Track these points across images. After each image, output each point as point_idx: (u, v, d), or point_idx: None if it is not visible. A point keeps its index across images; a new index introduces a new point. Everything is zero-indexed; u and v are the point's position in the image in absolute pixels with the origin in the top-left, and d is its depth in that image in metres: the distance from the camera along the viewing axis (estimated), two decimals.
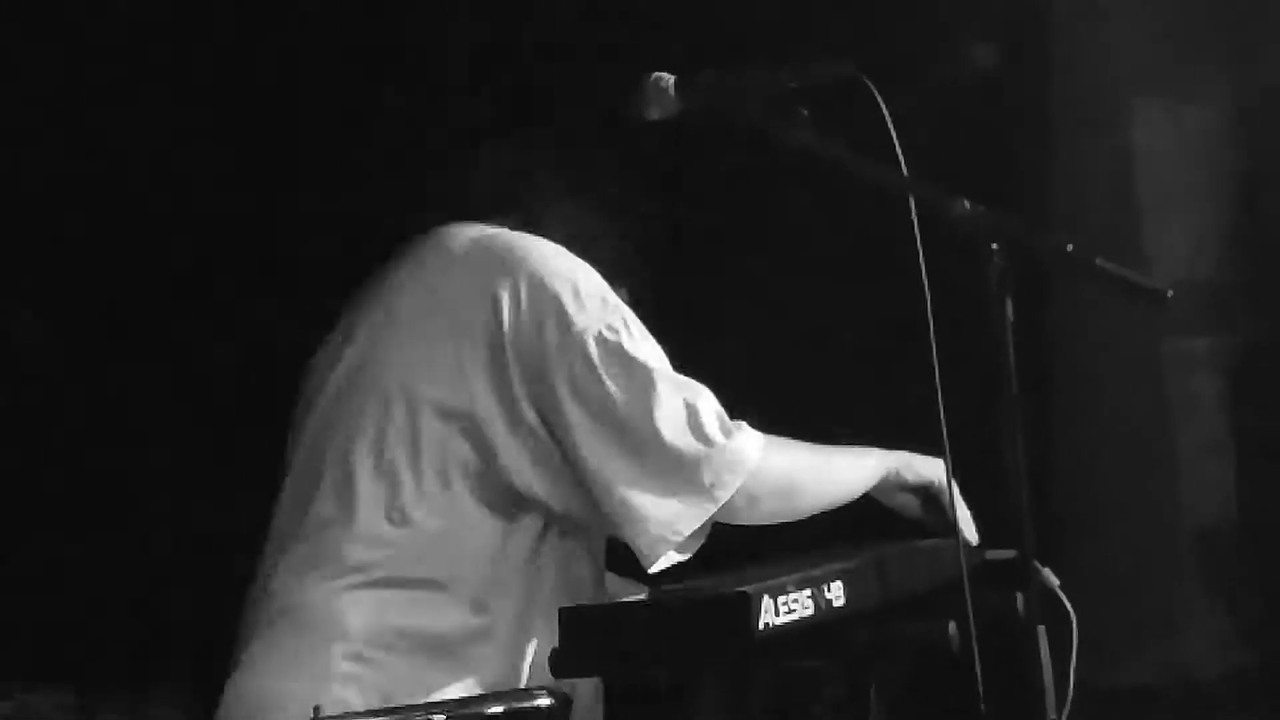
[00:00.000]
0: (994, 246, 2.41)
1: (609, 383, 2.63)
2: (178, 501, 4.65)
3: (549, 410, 2.65)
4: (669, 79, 2.60)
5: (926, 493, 2.86)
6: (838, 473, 2.80)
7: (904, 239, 2.52)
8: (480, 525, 2.67)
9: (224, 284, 4.31)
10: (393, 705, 2.44)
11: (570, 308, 2.66)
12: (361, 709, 2.46)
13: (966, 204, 2.44)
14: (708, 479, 2.62)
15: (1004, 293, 2.41)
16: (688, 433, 2.62)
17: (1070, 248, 2.44)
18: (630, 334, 2.68)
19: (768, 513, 2.69)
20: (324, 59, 4.13)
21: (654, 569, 2.63)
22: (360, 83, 4.11)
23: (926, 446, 2.81)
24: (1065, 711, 2.53)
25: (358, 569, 2.65)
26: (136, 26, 4.14)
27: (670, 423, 2.62)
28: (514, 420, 2.65)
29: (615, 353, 2.64)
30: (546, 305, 2.66)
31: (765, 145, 2.60)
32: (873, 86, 2.53)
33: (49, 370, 4.44)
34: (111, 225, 4.28)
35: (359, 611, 2.63)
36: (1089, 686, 2.69)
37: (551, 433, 2.66)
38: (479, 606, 2.66)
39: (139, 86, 4.21)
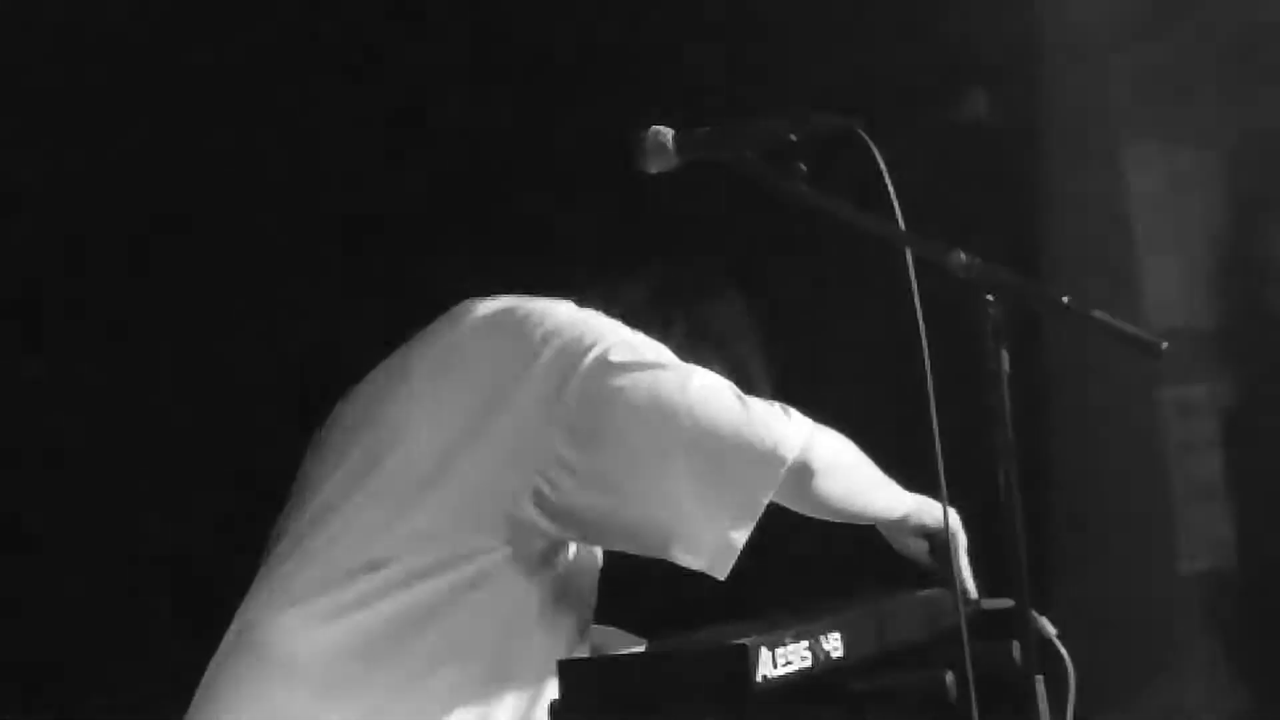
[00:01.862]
0: (989, 298, 2.42)
1: (633, 389, 2.62)
2: (161, 529, 4.65)
3: (567, 451, 2.64)
4: (667, 133, 2.62)
5: (934, 540, 2.86)
6: (878, 484, 2.80)
7: (901, 288, 2.54)
8: (477, 565, 2.66)
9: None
10: None
11: (574, 343, 2.67)
12: None
13: (963, 256, 2.45)
14: (762, 452, 2.61)
15: (999, 343, 2.42)
16: (731, 410, 2.62)
17: (1066, 300, 2.45)
18: (640, 344, 2.70)
19: (815, 496, 2.68)
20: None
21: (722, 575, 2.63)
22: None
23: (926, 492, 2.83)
24: None
25: (337, 604, 2.64)
26: None
27: (709, 402, 2.62)
28: (539, 460, 2.63)
29: (629, 366, 2.64)
30: (554, 348, 2.67)
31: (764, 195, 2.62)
32: (869, 139, 2.54)
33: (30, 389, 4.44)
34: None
35: (330, 647, 2.63)
36: None
37: (580, 466, 2.64)
38: (456, 650, 2.65)
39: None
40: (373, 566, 2.64)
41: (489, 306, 2.81)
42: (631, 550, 2.72)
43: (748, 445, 2.61)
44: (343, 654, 2.62)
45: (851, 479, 2.75)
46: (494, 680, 2.67)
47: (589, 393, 2.63)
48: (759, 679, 2.31)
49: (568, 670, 2.38)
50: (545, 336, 2.69)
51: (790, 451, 2.62)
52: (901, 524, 2.87)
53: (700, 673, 2.34)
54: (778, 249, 4.04)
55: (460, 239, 4.37)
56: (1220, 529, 4.31)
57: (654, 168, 2.62)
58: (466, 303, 2.86)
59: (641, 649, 2.51)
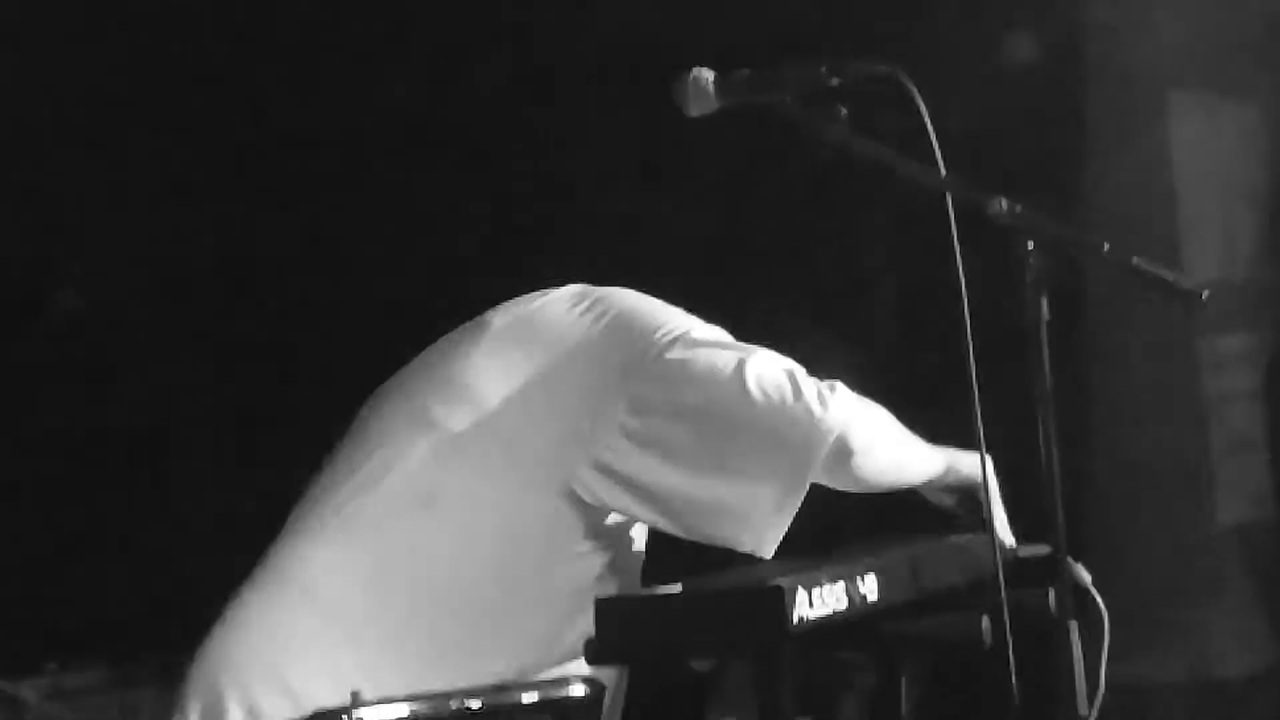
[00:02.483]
0: (1030, 245, 2.42)
1: (693, 370, 2.65)
2: (208, 482, 4.69)
3: (630, 421, 2.66)
4: (708, 76, 2.61)
5: (968, 494, 2.86)
6: (912, 455, 2.81)
7: (941, 236, 2.53)
8: (530, 524, 2.69)
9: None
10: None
11: (644, 322, 2.72)
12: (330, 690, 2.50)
13: (1003, 203, 2.45)
14: (806, 434, 2.62)
15: (1039, 291, 2.41)
16: (783, 391, 2.64)
17: (1107, 247, 2.44)
18: (702, 329, 2.73)
19: (855, 475, 2.69)
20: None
21: (768, 553, 2.65)
22: None
23: (961, 446, 2.83)
24: (1095, 707, 2.53)
25: (376, 552, 2.67)
26: None
27: (765, 384, 2.64)
28: (581, 433, 2.66)
29: (692, 343, 2.68)
30: (623, 325, 2.72)
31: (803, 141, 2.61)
32: (910, 84, 2.53)
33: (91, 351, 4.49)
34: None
35: (362, 592, 2.65)
36: (1118, 682, 2.70)
37: (639, 434, 2.66)
38: (488, 607, 2.68)
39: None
40: (426, 505, 2.67)
41: (566, 288, 2.86)
42: (677, 531, 2.75)
43: (793, 426, 2.63)
44: (380, 602, 2.65)
45: (889, 456, 2.76)
46: (524, 626, 2.70)
47: (653, 366, 2.67)
48: (795, 620, 2.31)
49: (604, 608, 2.39)
50: (618, 314, 2.75)
51: (831, 434, 2.64)
52: (934, 482, 2.88)
53: (737, 613, 2.34)
54: (815, 200, 4.05)
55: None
56: (1256, 480, 4.31)
57: (695, 111, 2.62)
58: (540, 291, 2.89)
59: (678, 588, 2.52)
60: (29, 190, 4.36)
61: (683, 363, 2.66)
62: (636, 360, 2.68)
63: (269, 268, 4.63)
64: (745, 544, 2.66)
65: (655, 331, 2.70)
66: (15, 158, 4.25)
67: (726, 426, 2.64)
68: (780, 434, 2.63)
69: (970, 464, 2.82)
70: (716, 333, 2.76)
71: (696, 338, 2.70)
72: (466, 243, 4.48)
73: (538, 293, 2.88)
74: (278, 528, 2.82)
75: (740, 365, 2.66)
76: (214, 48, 4.52)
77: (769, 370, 2.66)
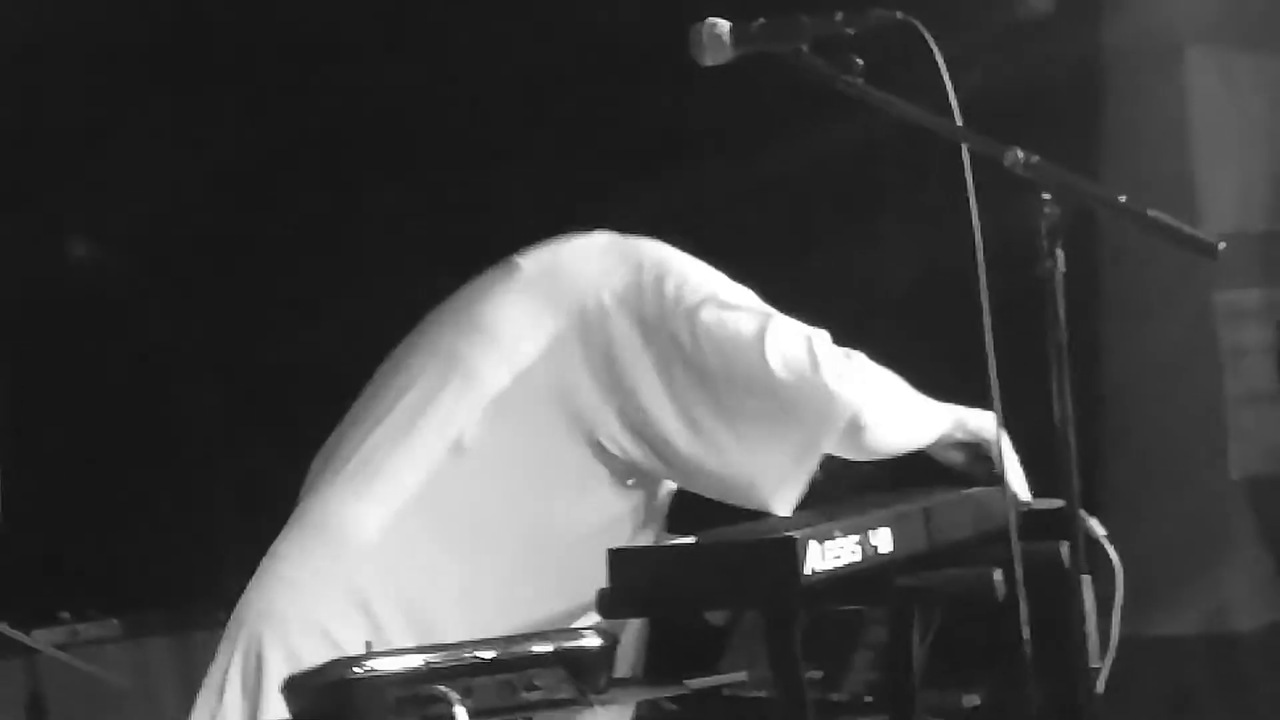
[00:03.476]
0: (1046, 196, 2.40)
1: (716, 333, 2.67)
2: (221, 436, 4.70)
3: (654, 376, 2.68)
4: (723, 25, 2.59)
5: (976, 449, 2.85)
6: (922, 420, 2.81)
7: (956, 187, 2.52)
8: (554, 470, 2.70)
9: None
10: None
11: (673, 278, 2.73)
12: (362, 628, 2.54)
13: (1019, 153, 2.43)
14: (821, 407, 2.64)
15: (1054, 243, 2.40)
16: (802, 363, 2.65)
17: (1123, 198, 2.43)
18: (730, 291, 2.74)
19: (867, 446, 2.70)
20: None
21: (786, 512, 2.66)
22: None
23: (974, 399, 2.81)
24: (1108, 661, 2.53)
25: (406, 499, 2.69)
26: None
27: (785, 354, 2.65)
28: (607, 383, 2.69)
29: (718, 304, 2.69)
30: (652, 279, 2.72)
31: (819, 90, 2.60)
32: (926, 32, 2.52)
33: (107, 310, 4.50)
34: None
35: (395, 539, 2.67)
36: (1130, 635, 2.69)
37: (655, 399, 2.69)
38: (517, 551, 2.70)
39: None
40: (456, 452, 2.69)
41: (593, 236, 2.86)
42: (693, 488, 2.77)
43: (809, 400, 2.65)
44: (408, 536, 2.68)
45: (899, 427, 2.77)
46: (553, 569, 2.71)
47: (678, 327, 2.69)
48: (807, 572, 2.31)
49: (617, 559, 2.39)
50: (647, 270, 2.75)
51: (846, 410, 2.65)
52: (943, 440, 2.87)
53: (749, 565, 2.34)
54: (828, 155, 4.03)
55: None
56: (1271, 433, 4.30)
57: (709, 60, 2.60)
58: (569, 235, 2.89)
59: (691, 540, 2.51)
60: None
61: (707, 326, 2.68)
62: (662, 319, 2.70)
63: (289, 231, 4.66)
64: (756, 505, 2.68)
65: (682, 289, 2.72)
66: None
67: (744, 393, 2.66)
68: (796, 407, 2.65)
69: (981, 420, 2.81)
70: (742, 295, 2.77)
71: (722, 300, 2.71)
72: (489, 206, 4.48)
73: (566, 237, 2.88)
74: (292, 482, 2.84)
75: (761, 333, 2.67)
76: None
77: (789, 340, 2.67)
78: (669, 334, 2.69)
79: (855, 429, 2.66)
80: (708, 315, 2.69)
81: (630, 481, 2.75)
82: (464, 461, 2.69)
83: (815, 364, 2.65)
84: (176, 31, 4.49)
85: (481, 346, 2.74)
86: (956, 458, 2.89)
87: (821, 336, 2.71)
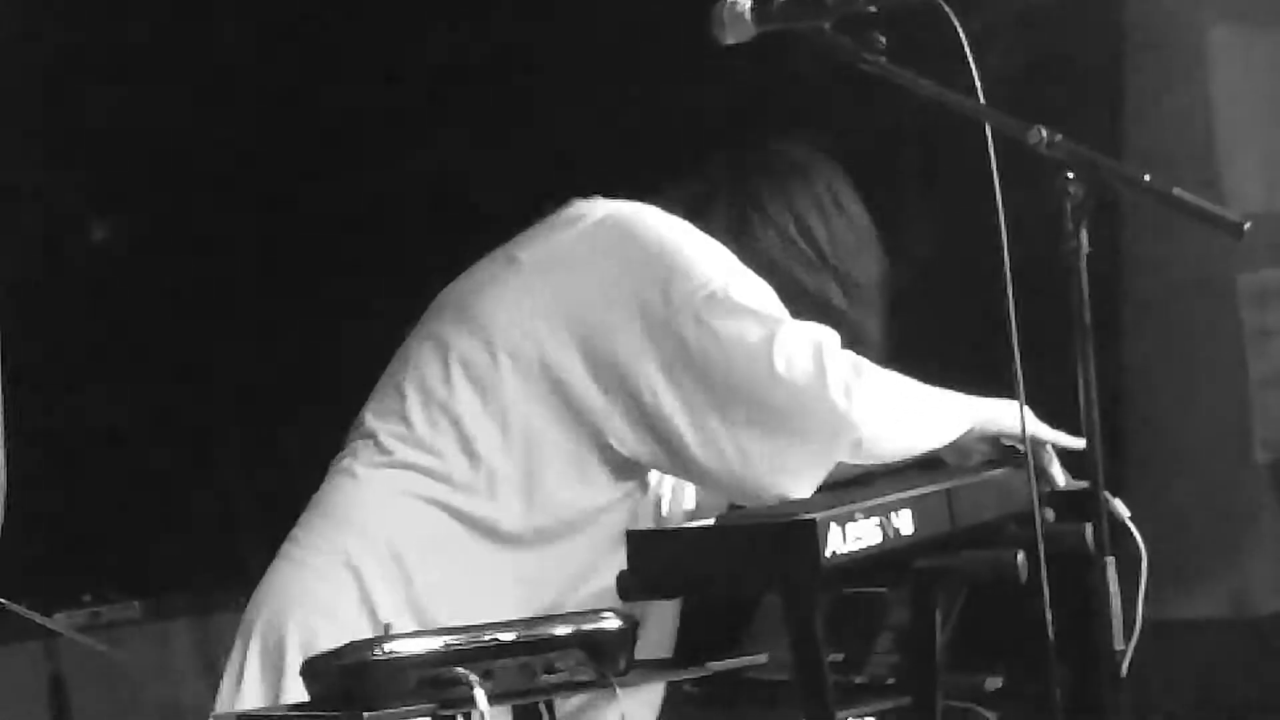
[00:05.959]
0: (1069, 175, 2.39)
1: (723, 338, 2.62)
2: (243, 418, 4.71)
3: (659, 378, 2.65)
4: (744, 3, 2.58)
5: (1001, 445, 2.81)
6: (938, 425, 2.74)
7: (979, 168, 2.50)
8: (562, 465, 2.69)
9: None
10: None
11: (680, 275, 2.67)
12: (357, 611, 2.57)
13: (1043, 132, 2.41)
14: (832, 424, 2.60)
15: (1078, 222, 2.38)
16: (810, 377, 2.60)
17: (1147, 177, 2.41)
18: (741, 288, 2.68)
19: (872, 457, 2.67)
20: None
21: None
22: None
23: (997, 380, 2.79)
24: (1132, 643, 2.51)
25: (419, 491, 2.69)
26: None
27: (792, 366, 2.60)
28: (610, 384, 2.66)
29: (726, 306, 2.64)
30: (658, 275, 2.67)
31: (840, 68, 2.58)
32: (950, 11, 2.50)
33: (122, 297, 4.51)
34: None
35: (411, 530, 2.68)
36: (1154, 618, 2.68)
37: (661, 400, 2.65)
38: (530, 541, 2.69)
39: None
40: (470, 455, 2.68)
41: (601, 211, 2.80)
42: (705, 486, 2.77)
43: (816, 417, 2.60)
44: (423, 526, 2.68)
45: (909, 435, 2.70)
46: (570, 561, 2.71)
47: (685, 328, 2.64)
48: (828, 554, 2.30)
49: (636, 541, 2.38)
50: (654, 259, 2.70)
51: (854, 429, 2.60)
52: (966, 439, 2.82)
53: (769, 547, 2.33)
54: (850, 138, 4.01)
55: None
56: None
57: (730, 38, 2.59)
58: (575, 204, 2.85)
59: (710, 522, 2.50)
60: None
61: (714, 331, 2.63)
62: (667, 319, 2.65)
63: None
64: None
65: (688, 286, 2.66)
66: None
67: (751, 402, 2.62)
68: (804, 420, 2.60)
69: (1006, 416, 2.76)
70: (753, 289, 2.71)
71: (732, 298, 2.66)
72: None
73: (566, 220, 2.83)
74: (314, 466, 2.84)
75: (769, 341, 2.61)
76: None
77: (798, 350, 2.61)
78: (675, 335, 2.64)
79: (861, 444, 2.62)
80: (714, 319, 2.63)
81: (629, 475, 2.73)
82: (475, 461, 2.68)
83: (824, 378, 2.60)
84: (178, 31, 4.50)
85: (484, 347, 2.71)
86: (984, 453, 2.85)
87: (831, 342, 2.65)
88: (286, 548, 2.77)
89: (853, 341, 2.71)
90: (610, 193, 2.86)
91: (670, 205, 2.86)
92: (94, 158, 4.53)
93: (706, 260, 2.72)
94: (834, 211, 2.90)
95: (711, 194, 2.89)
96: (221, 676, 2.73)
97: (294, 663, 2.61)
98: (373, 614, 2.64)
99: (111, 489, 4.55)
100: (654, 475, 2.79)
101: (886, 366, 2.71)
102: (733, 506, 2.71)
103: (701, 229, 2.81)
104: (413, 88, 4.67)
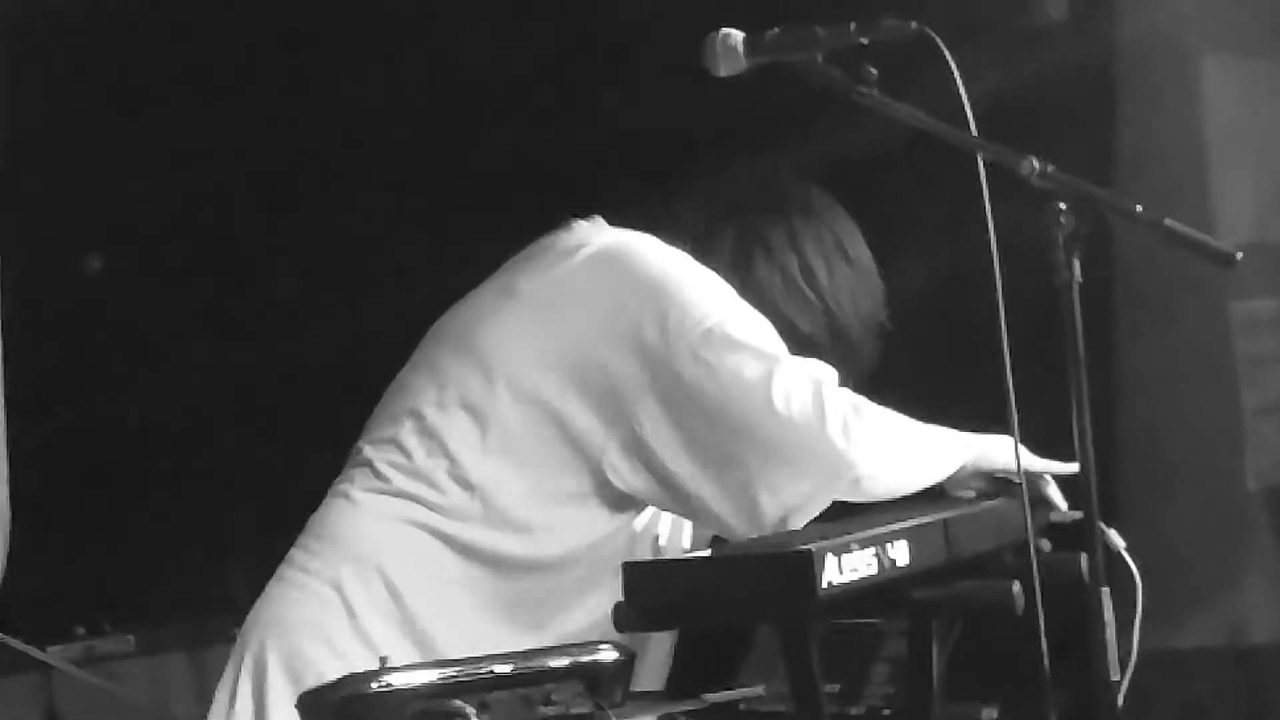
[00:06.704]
0: (1061, 206, 2.39)
1: (721, 374, 2.62)
2: (237, 450, 4.71)
3: (657, 412, 2.65)
4: (737, 35, 2.59)
5: (1007, 481, 2.81)
6: (934, 463, 2.76)
7: (970, 199, 2.51)
8: (558, 500, 2.70)
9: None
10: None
11: (678, 310, 2.67)
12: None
13: (1035, 163, 2.42)
14: (830, 463, 2.60)
15: (1071, 253, 2.39)
16: (808, 414, 2.60)
17: (1139, 208, 2.42)
18: (740, 324, 2.68)
19: (868, 496, 2.68)
20: None
21: None
22: None
23: (989, 412, 2.79)
24: (1128, 673, 2.51)
25: (413, 519, 2.70)
26: None
27: (790, 404, 2.60)
28: (607, 418, 2.66)
29: (724, 343, 2.64)
30: (656, 310, 2.67)
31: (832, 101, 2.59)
32: (941, 42, 2.51)
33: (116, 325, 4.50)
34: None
35: (404, 557, 2.68)
36: (1150, 648, 2.68)
37: (657, 435, 2.65)
38: (522, 574, 2.70)
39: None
40: (466, 486, 2.69)
41: (600, 242, 2.80)
42: (699, 522, 2.77)
43: (815, 456, 2.61)
44: (415, 555, 2.69)
45: (907, 473, 2.71)
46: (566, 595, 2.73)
47: (683, 363, 2.64)
48: (824, 585, 2.29)
49: (632, 572, 2.38)
50: (651, 293, 2.69)
51: (851, 469, 2.61)
52: (959, 476, 2.83)
53: (765, 578, 2.33)
54: (842, 164, 4.02)
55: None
56: None
57: (723, 71, 2.60)
58: (572, 230, 2.84)
59: (707, 553, 2.50)
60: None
61: (711, 367, 2.63)
62: (665, 355, 2.64)
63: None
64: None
65: (685, 322, 2.66)
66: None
67: (748, 439, 2.62)
68: (802, 458, 2.61)
69: (1000, 452, 2.76)
70: (752, 324, 2.71)
71: (730, 334, 2.65)
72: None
73: (564, 246, 2.82)
74: (309, 496, 2.85)
75: (768, 379, 2.61)
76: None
77: (797, 387, 2.62)
78: (672, 371, 2.64)
79: (859, 482, 2.63)
80: (712, 355, 2.63)
81: (626, 507, 2.73)
82: (473, 494, 2.69)
83: (823, 416, 2.60)
84: (174, 34, 4.50)
85: (481, 378, 2.71)
86: (969, 494, 2.85)
87: (830, 380, 2.66)
88: (281, 569, 2.78)
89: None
90: (611, 203, 2.87)
91: (675, 232, 2.87)
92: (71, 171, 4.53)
93: (705, 295, 2.72)
94: (839, 258, 2.91)
95: (718, 224, 2.90)
96: (213, 703, 2.73)
97: (279, 683, 2.64)
98: (363, 636, 2.65)
99: (105, 522, 4.55)
100: (650, 510, 2.79)
101: (874, 399, 2.71)
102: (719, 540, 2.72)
103: (704, 259, 2.82)
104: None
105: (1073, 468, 2.53)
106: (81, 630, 4.34)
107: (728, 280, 2.80)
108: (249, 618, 2.76)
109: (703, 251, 2.84)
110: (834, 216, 2.94)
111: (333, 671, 2.33)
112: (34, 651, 3.70)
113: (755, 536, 2.63)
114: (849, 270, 2.90)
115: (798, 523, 2.62)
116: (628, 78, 4.39)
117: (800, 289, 2.87)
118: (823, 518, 2.65)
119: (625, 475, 2.67)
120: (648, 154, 4.31)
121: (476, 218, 4.44)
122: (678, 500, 2.68)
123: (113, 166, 4.52)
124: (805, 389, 2.62)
